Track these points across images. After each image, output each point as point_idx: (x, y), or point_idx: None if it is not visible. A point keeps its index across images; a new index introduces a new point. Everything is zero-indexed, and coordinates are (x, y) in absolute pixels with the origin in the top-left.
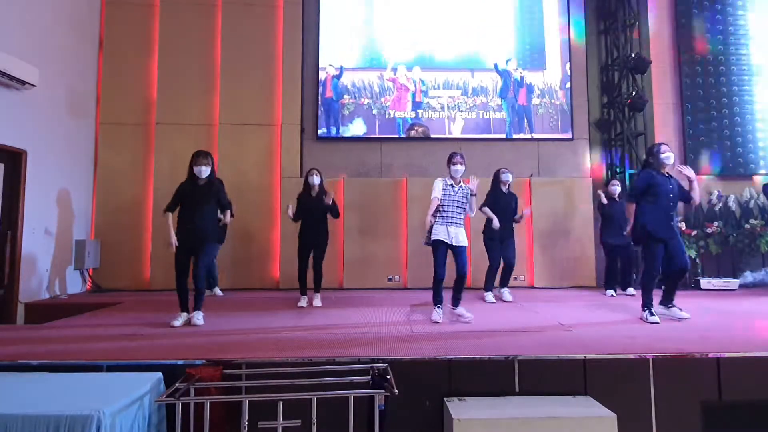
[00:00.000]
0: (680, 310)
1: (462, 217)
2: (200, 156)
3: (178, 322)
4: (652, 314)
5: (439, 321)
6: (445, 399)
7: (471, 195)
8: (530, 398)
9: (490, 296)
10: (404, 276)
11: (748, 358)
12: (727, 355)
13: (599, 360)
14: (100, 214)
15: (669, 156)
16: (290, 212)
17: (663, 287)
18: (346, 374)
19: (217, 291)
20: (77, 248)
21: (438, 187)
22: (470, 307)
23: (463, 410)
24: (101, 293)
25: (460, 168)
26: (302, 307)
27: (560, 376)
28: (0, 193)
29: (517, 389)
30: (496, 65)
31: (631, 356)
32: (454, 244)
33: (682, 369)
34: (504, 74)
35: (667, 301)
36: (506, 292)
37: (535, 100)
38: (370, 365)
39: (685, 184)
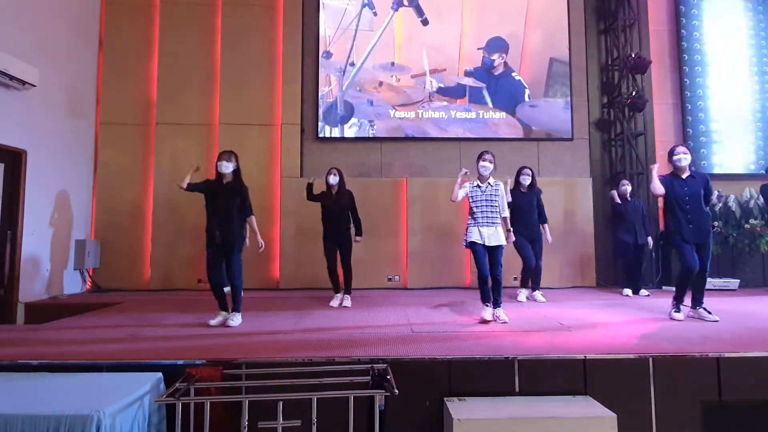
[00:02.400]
0: (709, 313)
1: (495, 216)
2: (224, 153)
3: (214, 321)
4: (677, 310)
5: (489, 319)
6: (445, 399)
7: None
8: (530, 398)
9: (522, 295)
10: (404, 276)
11: (748, 358)
12: (727, 355)
13: (599, 360)
14: (100, 214)
15: (680, 158)
16: (310, 179)
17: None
18: (346, 374)
19: None
20: (77, 248)
21: (456, 189)
22: (471, 307)
23: (463, 410)
24: (101, 293)
25: (489, 165)
26: (333, 306)
27: (560, 376)
28: (0, 193)
29: (517, 389)
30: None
31: (631, 356)
32: (487, 244)
33: (682, 369)
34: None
35: (693, 303)
36: (538, 294)
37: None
38: (370, 365)
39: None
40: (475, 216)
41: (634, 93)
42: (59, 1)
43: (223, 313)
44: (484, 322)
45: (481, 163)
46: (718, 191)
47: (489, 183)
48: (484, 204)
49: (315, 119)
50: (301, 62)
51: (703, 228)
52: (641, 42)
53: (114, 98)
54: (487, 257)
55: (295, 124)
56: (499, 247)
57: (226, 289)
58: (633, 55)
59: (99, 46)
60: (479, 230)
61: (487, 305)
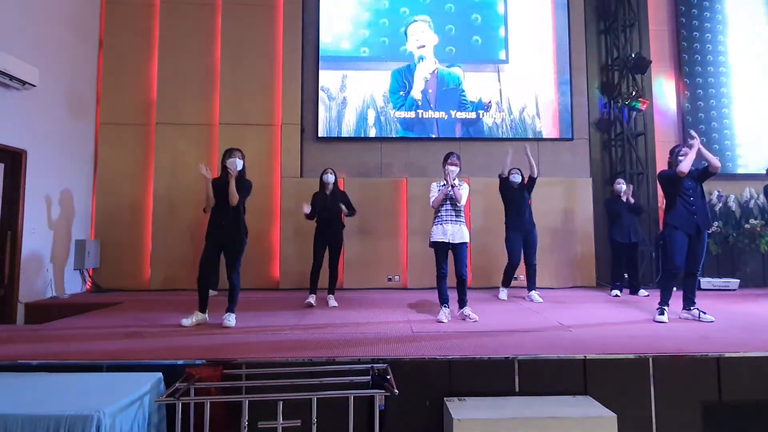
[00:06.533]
0: (704, 313)
1: (460, 215)
2: (235, 150)
3: (188, 321)
4: (661, 313)
5: (445, 321)
6: (445, 399)
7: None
8: (530, 398)
9: (503, 293)
10: (404, 276)
11: (748, 358)
12: (727, 355)
13: (599, 360)
14: (100, 214)
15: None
16: (305, 210)
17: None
18: (346, 374)
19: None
20: (77, 248)
21: (432, 190)
22: (472, 307)
23: (463, 410)
24: (101, 293)
25: (454, 169)
26: (310, 304)
27: (560, 376)
28: (0, 193)
29: (517, 389)
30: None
31: (631, 356)
32: (453, 241)
33: (682, 369)
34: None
35: (686, 304)
36: (535, 295)
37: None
38: (370, 365)
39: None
40: (440, 214)
41: (634, 93)
42: (59, 1)
43: (200, 314)
44: (440, 323)
45: (448, 167)
46: (718, 191)
47: (453, 184)
48: (449, 203)
49: (315, 119)
50: (301, 62)
51: (707, 215)
52: (641, 42)
53: (114, 98)
54: (449, 256)
55: (295, 124)
56: (463, 245)
57: (212, 293)
58: (633, 55)
59: (99, 46)
60: (443, 227)
61: (445, 306)
